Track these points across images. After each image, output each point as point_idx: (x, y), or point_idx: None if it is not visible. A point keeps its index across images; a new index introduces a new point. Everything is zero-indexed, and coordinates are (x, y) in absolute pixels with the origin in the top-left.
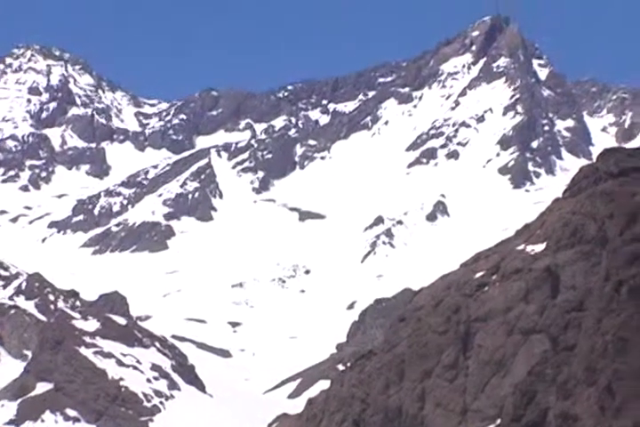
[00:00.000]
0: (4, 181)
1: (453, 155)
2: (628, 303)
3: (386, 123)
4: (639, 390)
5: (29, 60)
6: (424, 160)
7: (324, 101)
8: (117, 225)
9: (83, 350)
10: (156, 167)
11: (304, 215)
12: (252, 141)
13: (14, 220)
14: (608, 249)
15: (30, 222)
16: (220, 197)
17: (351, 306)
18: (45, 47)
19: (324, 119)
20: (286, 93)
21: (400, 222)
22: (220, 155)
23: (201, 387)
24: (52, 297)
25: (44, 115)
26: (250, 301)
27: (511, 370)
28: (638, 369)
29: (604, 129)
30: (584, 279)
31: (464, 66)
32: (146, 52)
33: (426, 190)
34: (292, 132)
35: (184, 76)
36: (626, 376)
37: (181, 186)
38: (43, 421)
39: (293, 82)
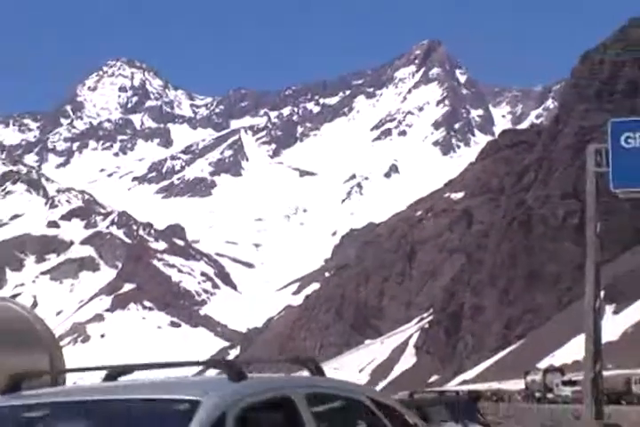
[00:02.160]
0: (103, 149)
1: (403, 133)
2: (517, 233)
3: (358, 111)
4: (526, 288)
5: (119, 68)
6: (383, 137)
7: (316, 97)
8: (178, 179)
9: (155, 262)
10: (204, 141)
11: (303, 173)
12: (268, 124)
13: (110, 175)
14: (505, 196)
15: (120, 177)
16: (247, 160)
17: (334, 233)
18: (130, 60)
19: (316, 109)
20: (291, 91)
21: (367, 178)
22: (246, 132)
23: (234, 287)
24: (134, 227)
25: (129, 106)
26: (267, 230)
27: (440, 277)
28: (524, 276)
29: (503, 116)
30: (489, 216)
31: (410, 73)
32: (197, 63)
33: (384, 157)
34: (295, 117)
35: (223, 79)
36: (516, 279)
37: (221, 153)
38: (128, 309)
39: (295, 83)
